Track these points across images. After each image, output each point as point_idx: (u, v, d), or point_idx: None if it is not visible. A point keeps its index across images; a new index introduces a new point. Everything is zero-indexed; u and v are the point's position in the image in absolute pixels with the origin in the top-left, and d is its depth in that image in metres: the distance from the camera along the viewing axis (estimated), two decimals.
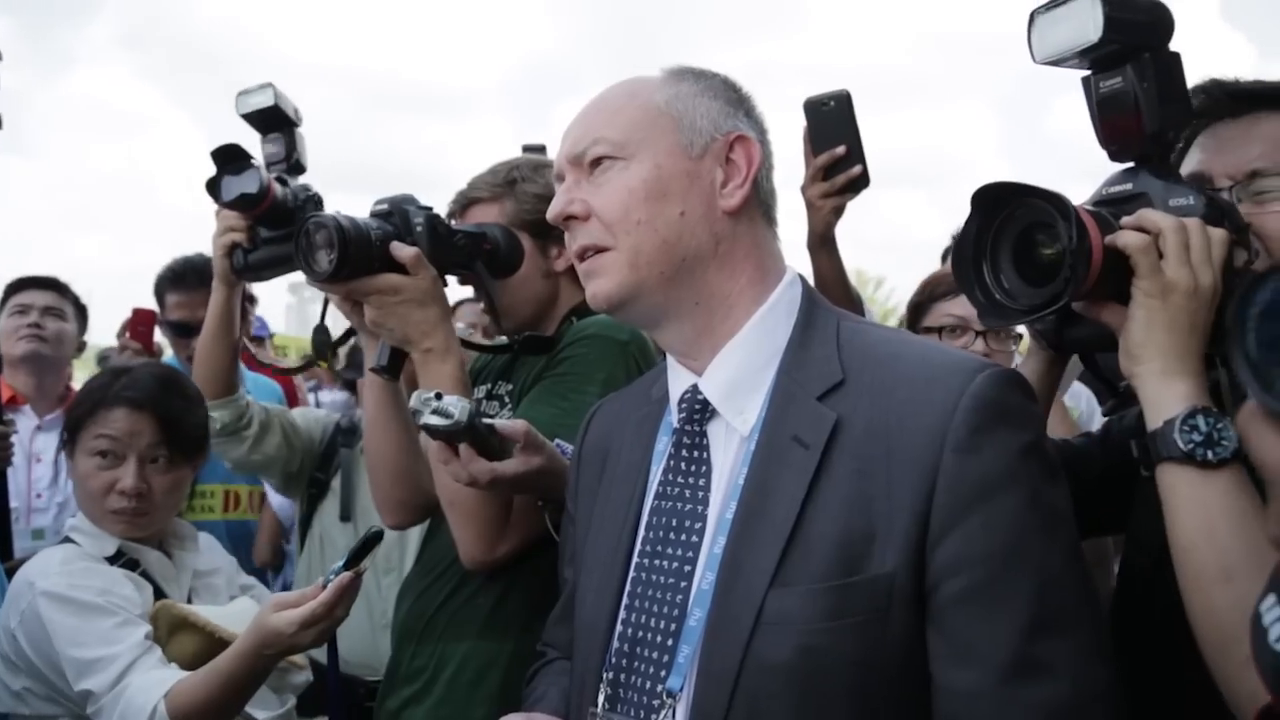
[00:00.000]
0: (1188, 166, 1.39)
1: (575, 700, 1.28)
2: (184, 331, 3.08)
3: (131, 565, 1.93)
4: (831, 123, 2.16)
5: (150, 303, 3.61)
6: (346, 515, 2.95)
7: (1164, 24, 1.24)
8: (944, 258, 3.14)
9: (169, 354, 3.57)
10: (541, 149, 2.45)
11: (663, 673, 1.16)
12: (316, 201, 2.34)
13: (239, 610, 1.91)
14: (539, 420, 1.67)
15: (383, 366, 1.81)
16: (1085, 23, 1.20)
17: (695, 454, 1.24)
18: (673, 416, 1.28)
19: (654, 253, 1.22)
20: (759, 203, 1.28)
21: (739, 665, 1.09)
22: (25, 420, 3.34)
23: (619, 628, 1.23)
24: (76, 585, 1.79)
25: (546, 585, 1.81)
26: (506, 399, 1.98)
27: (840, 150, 2.15)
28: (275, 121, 2.34)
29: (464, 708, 1.84)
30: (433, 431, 1.50)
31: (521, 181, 1.98)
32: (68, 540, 1.96)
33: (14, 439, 2.82)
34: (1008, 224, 1.23)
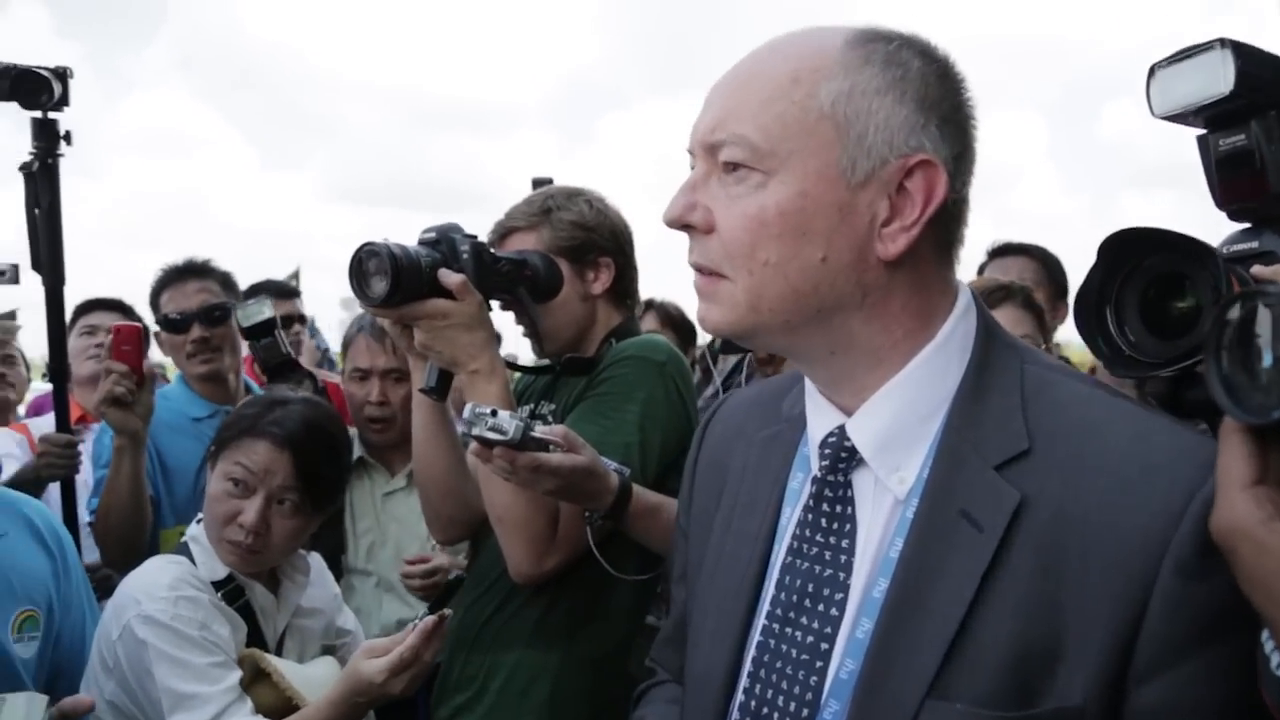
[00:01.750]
0: None
1: None
2: (177, 326, 2.94)
3: (236, 593, 1.92)
4: None
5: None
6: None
7: None
8: (980, 271, 3.16)
9: (171, 371, 3.25)
10: (549, 183, 2.58)
11: None
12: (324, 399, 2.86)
13: (321, 676, 1.91)
14: (583, 437, 1.73)
15: (431, 388, 1.89)
16: (1215, 76, 1.14)
17: (837, 509, 1.05)
18: (813, 460, 1.08)
19: (778, 300, 0.98)
20: (934, 237, 0.99)
21: None
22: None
23: (740, 696, 1.07)
24: (179, 616, 1.79)
25: (590, 597, 1.89)
26: (549, 419, 2.05)
27: None
28: (269, 328, 2.74)
29: (513, 716, 1.91)
30: (485, 443, 1.55)
31: (556, 210, 2.05)
32: (184, 549, 1.96)
33: (81, 450, 2.93)
34: (1136, 273, 1.12)
